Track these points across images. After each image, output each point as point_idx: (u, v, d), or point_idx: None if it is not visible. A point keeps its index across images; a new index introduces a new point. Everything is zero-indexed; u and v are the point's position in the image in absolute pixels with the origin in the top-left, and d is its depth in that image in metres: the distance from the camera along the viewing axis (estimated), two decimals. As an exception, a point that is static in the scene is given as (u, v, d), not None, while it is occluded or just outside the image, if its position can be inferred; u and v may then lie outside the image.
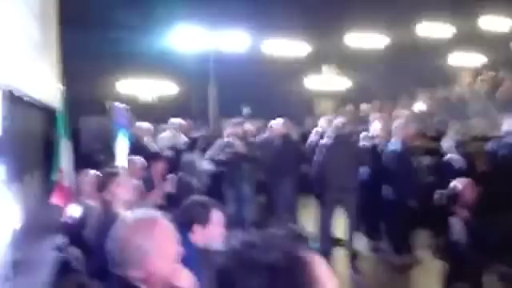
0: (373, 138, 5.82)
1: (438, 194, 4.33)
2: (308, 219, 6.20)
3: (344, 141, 5.30)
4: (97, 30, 9.57)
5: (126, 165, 4.74)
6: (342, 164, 5.21)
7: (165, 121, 7.93)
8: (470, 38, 13.34)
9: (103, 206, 2.86)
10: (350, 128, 5.94)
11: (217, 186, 5.82)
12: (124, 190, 3.05)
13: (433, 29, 13.07)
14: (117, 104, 5.74)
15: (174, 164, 5.32)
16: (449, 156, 5.93)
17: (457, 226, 4.03)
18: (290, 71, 11.93)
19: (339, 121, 5.55)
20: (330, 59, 12.71)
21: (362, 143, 5.81)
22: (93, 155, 7.55)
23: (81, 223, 3.17)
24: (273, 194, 5.97)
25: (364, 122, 8.97)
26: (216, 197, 5.80)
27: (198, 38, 10.27)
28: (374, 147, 5.67)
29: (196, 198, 2.46)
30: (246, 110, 12.28)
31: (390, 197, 5.33)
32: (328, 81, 12.73)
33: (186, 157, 5.72)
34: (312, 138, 6.67)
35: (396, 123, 5.64)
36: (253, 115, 11.58)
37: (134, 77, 11.06)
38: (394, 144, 5.43)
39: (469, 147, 6.98)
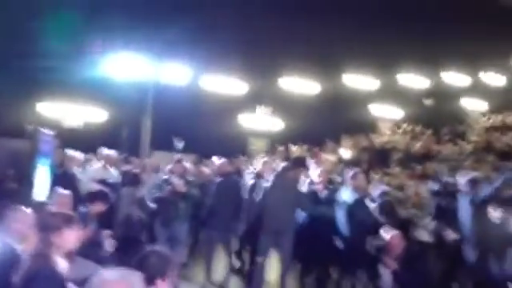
0: (311, 183, 5.92)
1: (368, 245, 4.53)
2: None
3: (283, 185, 5.37)
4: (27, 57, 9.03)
5: (47, 198, 4.37)
6: (280, 207, 5.27)
7: (92, 150, 7.52)
8: (390, 92, 14.62)
9: (41, 253, 2.49)
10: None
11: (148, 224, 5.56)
12: (74, 237, 2.72)
13: (358, 81, 14.11)
14: (41, 129, 5.33)
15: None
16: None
17: (386, 277, 4.23)
18: (226, 108, 12.08)
19: (280, 165, 5.65)
20: (265, 100, 13.11)
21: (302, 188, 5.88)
22: (3, 182, 6.83)
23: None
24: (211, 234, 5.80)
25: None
26: (147, 235, 5.57)
27: (138, 68, 10.04)
28: (314, 193, 5.76)
29: (156, 249, 2.33)
30: (178, 145, 12.11)
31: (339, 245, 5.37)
32: (262, 121, 13.07)
33: (124, 192, 5.43)
34: (247, 178, 6.67)
35: (348, 173, 5.66)
36: (185, 150, 11.45)
37: (59, 101, 10.43)
38: (348, 193, 5.46)
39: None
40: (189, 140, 11.78)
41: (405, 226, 6.43)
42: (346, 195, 5.47)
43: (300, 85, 13.20)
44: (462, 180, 4.75)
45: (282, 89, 13.03)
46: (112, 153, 6.84)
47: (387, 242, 4.02)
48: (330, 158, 10.80)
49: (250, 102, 12.75)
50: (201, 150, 10.49)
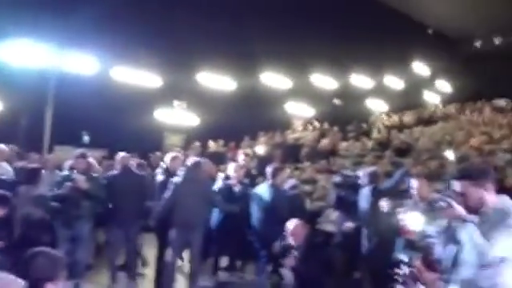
0: (227, 178, 5.92)
1: (274, 246, 4.62)
2: (150, 259, 5.97)
3: (194, 180, 5.32)
4: None
5: None
6: (191, 203, 5.21)
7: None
8: (303, 92, 15.27)
9: None
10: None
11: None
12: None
13: (274, 79, 14.52)
14: None
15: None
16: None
17: (287, 277, 4.33)
18: (140, 102, 11.61)
19: (191, 160, 5.57)
20: (181, 95, 12.87)
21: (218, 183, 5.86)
22: None
23: None
24: (115, 233, 5.52)
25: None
26: (49, 236, 5.15)
27: (38, 55, 9.23)
28: (229, 188, 5.74)
29: (43, 250, 2.15)
30: (85, 139, 11.39)
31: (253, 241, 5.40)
32: (178, 116, 12.82)
33: (22, 190, 4.95)
34: (159, 174, 6.49)
35: (268, 168, 5.67)
36: (93, 145, 10.80)
37: None
38: (264, 188, 5.50)
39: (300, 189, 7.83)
40: (99, 134, 11.15)
41: (313, 218, 6.82)
42: (262, 190, 5.58)
43: (217, 81, 13.21)
44: (362, 173, 5.12)
45: (199, 84, 12.92)
46: (2, 147, 6.20)
47: (289, 232, 4.18)
48: (245, 153, 10.96)
49: (165, 96, 12.43)
50: (112, 144, 9.99)
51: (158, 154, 10.36)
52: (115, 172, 5.76)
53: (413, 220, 2.59)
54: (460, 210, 2.34)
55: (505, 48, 18.80)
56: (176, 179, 5.38)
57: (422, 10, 17.53)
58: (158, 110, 12.46)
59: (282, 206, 5.29)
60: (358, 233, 4.81)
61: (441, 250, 2.58)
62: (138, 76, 11.66)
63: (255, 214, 5.50)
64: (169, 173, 5.88)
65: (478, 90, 16.80)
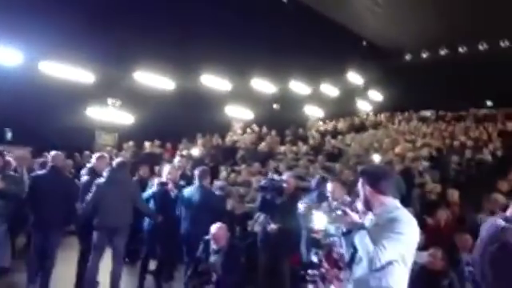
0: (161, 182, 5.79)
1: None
2: (71, 262, 5.71)
3: (119, 181, 5.19)
4: None
5: None
6: (114, 205, 5.08)
7: None
8: (243, 95, 15.43)
9: None
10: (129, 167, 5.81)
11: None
12: None
13: (213, 82, 14.52)
14: None
15: None
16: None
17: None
18: (71, 98, 11.08)
19: (116, 160, 5.43)
20: (116, 92, 12.46)
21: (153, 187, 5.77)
22: None
23: None
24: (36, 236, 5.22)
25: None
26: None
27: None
28: (165, 192, 5.61)
29: None
30: (8, 135, 10.68)
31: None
32: (111, 114, 12.38)
33: None
34: (84, 174, 6.25)
35: (196, 170, 5.70)
36: (18, 142, 10.15)
37: None
38: (192, 190, 5.49)
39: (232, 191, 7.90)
40: (25, 131, 10.49)
41: (244, 220, 6.91)
42: (189, 191, 5.56)
43: (154, 80, 12.95)
44: (285, 176, 5.30)
45: (135, 82, 12.58)
46: None
47: (211, 236, 4.21)
48: (181, 154, 10.85)
49: (98, 93, 11.95)
50: (38, 142, 9.45)
51: (87, 153, 9.97)
52: (42, 171, 5.46)
53: (318, 220, 2.75)
54: (355, 217, 2.49)
55: (431, 62, 20.29)
56: (99, 180, 5.22)
57: (358, 23, 18.44)
58: (90, 107, 11.93)
59: (208, 208, 5.30)
60: (282, 234, 4.95)
61: (341, 248, 2.75)
62: (69, 71, 11.12)
63: (183, 216, 5.50)
64: (95, 173, 5.69)
65: (407, 101, 17.97)
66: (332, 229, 2.75)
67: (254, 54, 14.39)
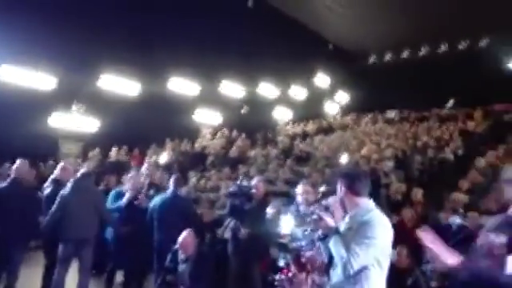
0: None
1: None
2: (35, 278, 5.51)
3: (84, 192, 5.06)
4: None
5: None
6: (80, 217, 4.95)
7: None
8: (211, 99, 15.35)
9: None
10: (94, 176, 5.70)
11: None
12: None
13: (181, 86, 14.36)
14: None
15: None
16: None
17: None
18: (31, 105, 10.66)
19: (81, 171, 5.30)
20: (80, 98, 12.09)
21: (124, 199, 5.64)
22: None
23: None
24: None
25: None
26: None
27: None
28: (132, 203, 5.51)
29: None
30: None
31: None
32: (75, 121, 11.99)
33: None
34: (47, 186, 6.04)
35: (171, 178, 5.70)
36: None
37: None
38: (161, 198, 5.47)
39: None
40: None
41: (214, 226, 6.87)
42: (158, 200, 5.51)
43: (120, 84, 12.65)
44: (255, 181, 5.31)
45: (100, 88, 12.24)
46: None
47: (179, 244, 4.17)
48: (149, 162, 10.67)
49: (61, 99, 11.55)
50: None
51: (51, 162, 9.66)
52: (2, 184, 5.25)
53: (285, 224, 2.78)
54: (330, 221, 2.51)
55: (394, 63, 20.88)
56: (63, 191, 5.08)
57: (325, 27, 18.77)
58: (52, 115, 11.52)
59: (184, 216, 5.26)
60: (252, 239, 4.96)
61: (310, 252, 2.78)
62: (29, 76, 10.71)
63: (156, 224, 5.42)
64: (58, 184, 5.53)
65: (373, 102, 18.40)
66: (299, 233, 2.77)
67: (222, 57, 14.36)
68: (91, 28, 11.14)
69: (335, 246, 2.37)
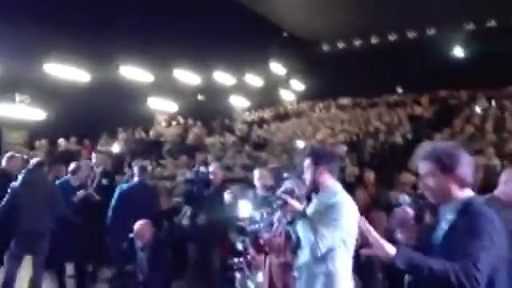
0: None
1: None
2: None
3: (36, 183, 4.82)
4: None
5: None
6: (32, 209, 4.72)
7: None
8: (166, 87, 15.01)
9: None
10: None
11: None
12: None
13: (134, 73, 13.91)
14: None
15: None
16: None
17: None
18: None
19: (32, 161, 5.04)
20: (24, 86, 11.41)
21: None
22: None
23: None
24: None
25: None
26: None
27: None
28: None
29: None
30: None
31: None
32: (19, 110, 11.30)
33: None
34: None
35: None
36: None
37: None
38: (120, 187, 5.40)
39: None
40: None
41: (171, 214, 6.81)
42: (127, 189, 5.44)
43: (67, 72, 12.03)
44: (212, 167, 5.30)
45: (46, 75, 11.58)
46: None
47: (136, 234, 4.12)
48: (99, 151, 10.32)
49: (4, 88, 10.86)
50: None
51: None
52: None
53: (243, 207, 2.80)
54: (295, 204, 2.52)
55: (346, 51, 21.40)
56: (14, 183, 4.82)
57: (279, 15, 18.83)
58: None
59: (149, 204, 5.21)
60: (211, 225, 4.96)
61: (268, 234, 2.83)
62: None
63: (117, 213, 5.32)
64: (6, 176, 5.25)
65: (326, 89, 18.82)
66: (257, 216, 2.81)
67: (176, 44, 14.04)
68: (34, 13, 10.49)
69: (303, 230, 2.40)
